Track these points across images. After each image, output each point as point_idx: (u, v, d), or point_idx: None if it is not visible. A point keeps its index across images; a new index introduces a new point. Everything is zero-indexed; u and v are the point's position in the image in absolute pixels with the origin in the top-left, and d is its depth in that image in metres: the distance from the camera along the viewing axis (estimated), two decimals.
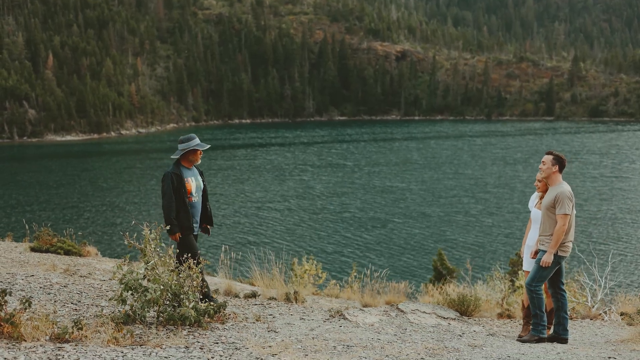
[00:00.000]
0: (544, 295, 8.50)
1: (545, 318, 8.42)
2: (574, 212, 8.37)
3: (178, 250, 8.51)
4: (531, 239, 8.85)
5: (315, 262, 14.55)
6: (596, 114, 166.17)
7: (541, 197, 8.86)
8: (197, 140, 8.84)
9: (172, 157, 8.90)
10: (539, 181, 8.84)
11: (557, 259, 8.26)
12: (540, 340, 8.29)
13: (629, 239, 46.24)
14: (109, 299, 7.48)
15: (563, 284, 8.64)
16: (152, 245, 7.53)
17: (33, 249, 13.68)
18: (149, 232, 7.57)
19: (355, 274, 13.03)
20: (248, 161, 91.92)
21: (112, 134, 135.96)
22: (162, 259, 7.53)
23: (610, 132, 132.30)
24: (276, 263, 11.14)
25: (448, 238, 45.81)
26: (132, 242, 7.51)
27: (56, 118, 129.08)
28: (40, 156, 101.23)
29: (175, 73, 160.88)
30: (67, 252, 13.55)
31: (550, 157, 8.48)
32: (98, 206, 58.91)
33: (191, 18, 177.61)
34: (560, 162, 8.44)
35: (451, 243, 43.89)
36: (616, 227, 50.54)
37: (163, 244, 7.61)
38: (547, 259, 8.17)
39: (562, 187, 8.34)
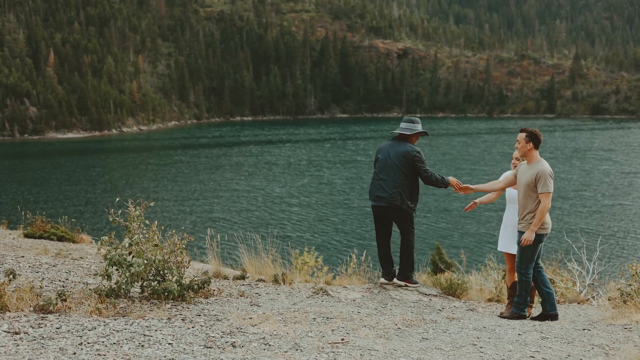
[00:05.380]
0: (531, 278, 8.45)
1: (528, 299, 8.44)
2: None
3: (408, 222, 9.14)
4: (508, 219, 8.85)
5: (315, 253, 14.65)
6: (597, 111, 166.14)
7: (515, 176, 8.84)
8: (421, 125, 9.40)
9: (396, 131, 9.32)
10: (517, 159, 8.76)
11: (538, 237, 8.16)
12: (520, 317, 8.29)
13: (617, 226, 46.77)
14: (94, 275, 7.59)
15: (539, 263, 8.51)
16: (137, 222, 7.63)
17: (27, 235, 13.77)
18: (133, 208, 7.67)
19: (354, 265, 13.10)
20: (256, 157, 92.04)
21: (114, 131, 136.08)
22: (146, 234, 7.64)
23: (610, 130, 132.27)
24: (276, 252, 11.22)
25: (447, 233, 45.90)
26: (116, 218, 7.61)
27: (57, 115, 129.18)
28: (41, 154, 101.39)
29: (176, 70, 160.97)
30: (60, 239, 13.64)
31: (524, 134, 8.27)
32: (96, 200, 59.04)
33: (193, 15, 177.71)
34: (534, 139, 8.25)
35: (449, 237, 43.97)
36: (605, 214, 51.04)
37: (147, 221, 7.71)
38: (529, 236, 8.08)
39: (541, 164, 8.18)
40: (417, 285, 9.44)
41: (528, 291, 8.34)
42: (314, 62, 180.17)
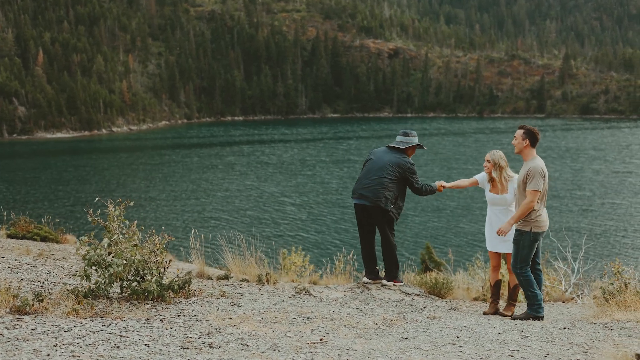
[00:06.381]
0: (532, 275, 8.34)
1: (541, 296, 8.27)
2: (547, 186, 8.15)
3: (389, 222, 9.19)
4: (490, 219, 8.84)
5: (303, 253, 14.61)
6: (587, 111, 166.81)
7: (489, 180, 8.81)
8: (417, 139, 9.52)
9: (392, 144, 9.41)
10: (488, 161, 8.76)
11: (534, 235, 8.07)
12: (535, 318, 8.13)
13: (606, 224, 47.05)
14: (73, 275, 7.52)
15: (539, 263, 8.46)
16: (116, 222, 7.57)
17: (9, 236, 13.65)
18: (113, 208, 7.60)
19: (341, 264, 13.07)
20: (249, 157, 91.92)
21: (104, 131, 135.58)
22: (126, 234, 7.57)
23: (600, 129, 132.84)
24: (262, 252, 11.17)
25: (438, 233, 45.95)
26: (95, 218, 7.54)
27: (46, 115, 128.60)
28: (31, 153, 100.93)
29: (167, 70, 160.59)
30: (44, 239, 13.54)
31: (522, 131, 8.25)
32: (87, 201, 58.82)
33: (183, 15, 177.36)
34: (531, 136, 8.21)
35: (440, 237, 44.02)
36: (594, 213, 51.28)
37: (127, 220, 7.64)
38: (506, 228, 8.11)
39: (534, 162, 8.12)
40: (402, 284, 9.44)
41: (534, 288, 8.20)
42: (305, 62, 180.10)
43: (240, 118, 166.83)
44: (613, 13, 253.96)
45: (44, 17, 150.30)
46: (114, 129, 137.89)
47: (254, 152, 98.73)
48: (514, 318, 8.26)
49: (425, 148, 9.83)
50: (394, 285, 9.31)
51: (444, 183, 9.45)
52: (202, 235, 10.98)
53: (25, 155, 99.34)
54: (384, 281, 9.34)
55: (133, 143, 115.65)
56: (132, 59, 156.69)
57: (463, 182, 9.40)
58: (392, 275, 9.35)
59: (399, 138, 9.38)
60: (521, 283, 8.23)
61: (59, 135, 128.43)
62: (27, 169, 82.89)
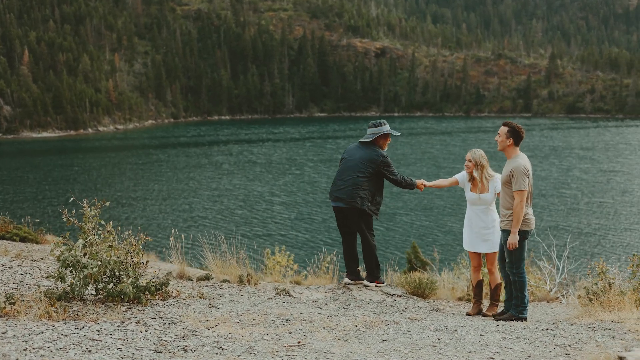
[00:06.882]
0: (527, 277, 8.22)
1: (528, 299, 8.17)
2: (532, 184, 7.99)
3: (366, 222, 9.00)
4: (469, 219, 8.74)
5: (287, 253, 14.47)
6: (573, 110, 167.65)
7: (470, 179, 8.70)
8: (388, 127, 9.17)
9: (362, 140, 9.14)
10: (469, 161, 8.64)
11: (524, 234, 7.92)
12: (518, 319, 8.02)
13: (588, 223, 47.21)
14: (47, 277, 7.36)
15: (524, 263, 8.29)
16: (92, 222, 7.41)
17: None
18: (88, 209, 7.45)
19: (326, 264, 12.96)
20: (237, 156, 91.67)
21: (90, 130, 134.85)
22: (102, 235, 7.42)
23: (586, 128, 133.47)
24: (245, 251, 11.02)
25: (425, 232, 45.95)
26: (70, 219, 7.38)
27: (32, 114, 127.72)
28: (15, 153, 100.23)
29: (153, 69, 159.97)
30: (23, 239, 13.31)
31: (506, 129, 8.03)
32: (69, 200, 58.30)
33: (169, 14, 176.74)
34: (515, 135, 8.00)
35: (427, 236, 44.01)
36: (581, 212, 51.51)
37: (102, 221, 7.49)
38: (513, 240, 7.84)
39: (517, 161, 7.92)
40: (384, 284, 9.33)
41: (524, 292, 8.06)
42: (291, 61, 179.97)
43: (227, 117, 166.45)
44: (599, 12, 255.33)
45: (30, 16, 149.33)
46: (100, 129, 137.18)
47: (242, 151, 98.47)
48: (496, 319, 8.14)
49: (399, 134, 9.56)
50: (376, 285, 9.19)
51: (424, 182, 9.30)
52: (183, 235, 10.83)
53: (10, 154, 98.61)
54: (365, 282, 9.22)
55: (120, 142, 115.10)
56: (118, 58, 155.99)
57: (444, 181, 9.26)
58: (374, 276, 9.24)
59: (368, 131, 9.16)
60: (515, 284, 8.06)
61: (44, 134, 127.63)
62: (13, 168, 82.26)
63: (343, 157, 9.23)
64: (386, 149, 9.17)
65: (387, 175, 8.95)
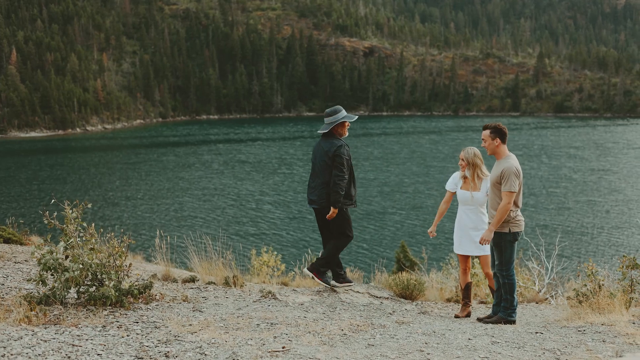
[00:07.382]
0: (517, 279, 8.08)
1: (517, 301, 8.04)
2: (522, 185, 7.82)
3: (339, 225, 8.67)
4: (460, 220, 8.61)
5: (275, 253, 14.30)
6: (561, 109, 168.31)
7: (463, 177, 8.56)
8: (344, 112, 8.74)
9: (319, 131, 8.77)
10: (463, 160, 8.49)
11: (514, 235, 7.77)
12: (508, 322, 7.91)
13: (577, 223, 47.34)
14: (28, 280, 7.21)
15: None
16: (74, 225, 7.26)
17: None
18: (70, 210, 7.30)
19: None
20: (226, 156, 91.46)
21: (78, 130, 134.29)
22: (84, 237, 7.28)
23: (575, 127, 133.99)
24: (232, 252, 10.87)
25: (415, 230, 45.93)
26: (52, 221, 7.24)
27: (20, 114, 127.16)
28: (3, 153, 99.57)
29: (141, 69, 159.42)
30: (7, 241, 13.13)
31: (488, 131, 7.88)
32: (57, 200, 57.93)
33: (158, 13, 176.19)
34: (499, 133, 7.85)
35: (417, 235, 43.99)
36: (565, 211, 51.67)
37: (84, 223, 7.34)
38: (487, 236, 7.70)
39: (508, 161, 7.77)
40: (326, 283, 8.88)
41: (514, 294, 7.95)
42: (280, 61, 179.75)
43: (216, 117, 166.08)
44: (587, 12, 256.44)
45: (17, 16, 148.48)
46: (89, 128, 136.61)
47: (231, 150, 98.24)
48: (485, 322, 8.03)
49: (356, 117, 8.99)
50: (314, 279, 8.83)
51: (432, 230, 8.97)
52: (168, 237, 10.68)
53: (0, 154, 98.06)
54: (305, 269, 8.91)
55: (108, 142, 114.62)
56: (106, 57, 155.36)
57: (441, 208, 8.91)
58: (316, 267, 8.81)
59: (325, 121, 8.76)
60: (504, 287, 7.93)
61: (32, 134, 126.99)
62: (1, 168, 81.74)
63: (312, 159, 8.93)
64: (346, 134, 8.78)
65: (333, 168, 8.50)
